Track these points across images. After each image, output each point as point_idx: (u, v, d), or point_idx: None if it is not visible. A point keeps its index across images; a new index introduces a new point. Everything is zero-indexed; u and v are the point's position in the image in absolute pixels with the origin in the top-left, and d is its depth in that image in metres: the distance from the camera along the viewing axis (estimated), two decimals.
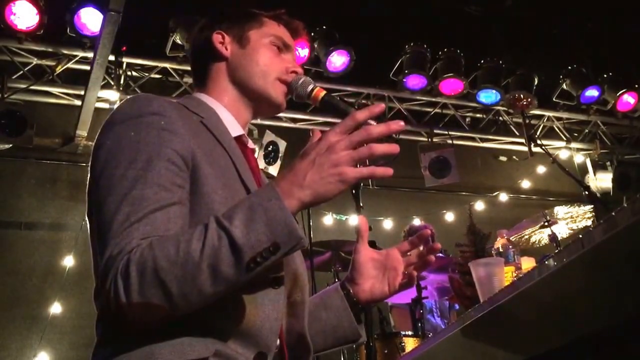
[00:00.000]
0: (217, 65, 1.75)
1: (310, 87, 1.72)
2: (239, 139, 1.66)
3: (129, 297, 1.23)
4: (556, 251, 1.51)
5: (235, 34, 1.75)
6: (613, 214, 1.24)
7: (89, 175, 1.45)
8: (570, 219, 4.91)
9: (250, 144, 1.72)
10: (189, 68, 6.33)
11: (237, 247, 1.22)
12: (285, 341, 1.54)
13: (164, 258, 1.23)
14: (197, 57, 1.82)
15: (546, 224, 4.58)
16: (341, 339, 1.75)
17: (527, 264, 2.68)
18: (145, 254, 1.24)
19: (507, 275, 2.43)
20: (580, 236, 1.33)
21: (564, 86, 7.63)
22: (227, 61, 1.74)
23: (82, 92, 5.80)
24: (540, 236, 4.78)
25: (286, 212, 1.24)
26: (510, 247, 2.75)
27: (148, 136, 1.39)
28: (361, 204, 2.83)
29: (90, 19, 5.60)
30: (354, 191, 3.57)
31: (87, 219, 1.47)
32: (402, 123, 1.32)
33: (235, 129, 1.68)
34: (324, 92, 1.71)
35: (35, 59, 5.98)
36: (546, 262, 1.46)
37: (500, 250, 2.75)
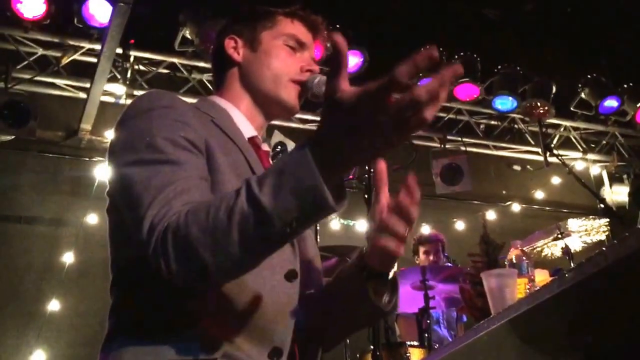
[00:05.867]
0: (231, 71, 1.75)
1: None
2: (252, 140, 1.65)
3: (169, 267, 1.22)
4: (573, 266, 1.44)
5: (247, 36, 1.75)
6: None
7: (109, 172, 1.46)
8: (585, 233, 4.87)
9: (265, 147, 1.71)
10: (197, 64, 6.35)
11: (266, 215, 1.14)
12: (297, 338, 1.50)
13: (196, 225, 1.20)
14: (213, 63, 1.83)
15: (559, 236, 4.54)
16: (363, 319, 1.67)
17: (541, 276, 2.58)
18: (181, 220, 1.22)
19: (519, 288, 2.34)
20: (604, 248, 1.24)
21: (583, 95, 7.50)
22: (239, 66, 1.74)
23: (88, 85, 5.72)
24: (553, 249, 4.70)
25: (317, 178, 1.12)
26: (524, 258, 2.64)
27: (161, 125, 1.41)
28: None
29: (99, 10, 5.51)
30: (366, 195, 3.49)
31: (106, 215, 1.50)
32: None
33: (248, 130, 1.67)
34: None
35: (41, 49, 5.88)
36: (564, 276, 1.38)
37: (514, 261, 2.64)
